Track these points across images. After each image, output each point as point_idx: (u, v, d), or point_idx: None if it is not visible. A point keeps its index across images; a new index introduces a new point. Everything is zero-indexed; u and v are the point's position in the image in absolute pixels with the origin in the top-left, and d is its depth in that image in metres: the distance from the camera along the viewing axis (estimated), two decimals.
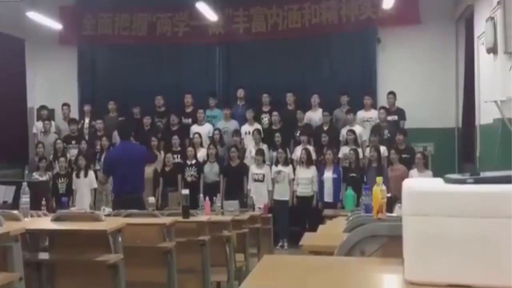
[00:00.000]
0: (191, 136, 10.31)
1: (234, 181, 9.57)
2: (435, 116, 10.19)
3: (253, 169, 9.64)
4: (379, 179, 3.63)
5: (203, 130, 10.36)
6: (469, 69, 9.11)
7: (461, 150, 10.03)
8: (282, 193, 9.56)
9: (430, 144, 9.99)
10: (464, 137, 9.75)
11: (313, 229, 4.09)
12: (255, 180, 9.56)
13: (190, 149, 9.88)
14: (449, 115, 10.30)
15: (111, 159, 7.13)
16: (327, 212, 6.78)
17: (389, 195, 3.77)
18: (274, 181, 9.59)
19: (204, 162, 9.80)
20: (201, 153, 9.98)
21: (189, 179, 9.63)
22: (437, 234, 1.49)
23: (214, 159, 9.76)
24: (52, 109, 11.33)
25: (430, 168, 9.24)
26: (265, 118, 10.40)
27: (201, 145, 10.09)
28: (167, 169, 9.69)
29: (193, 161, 9.77)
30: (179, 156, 9.94)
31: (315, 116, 10.26)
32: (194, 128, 10.44)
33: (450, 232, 1.48)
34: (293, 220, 9.39)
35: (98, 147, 10.19)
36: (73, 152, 10.24)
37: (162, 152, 9.90)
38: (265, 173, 9.58)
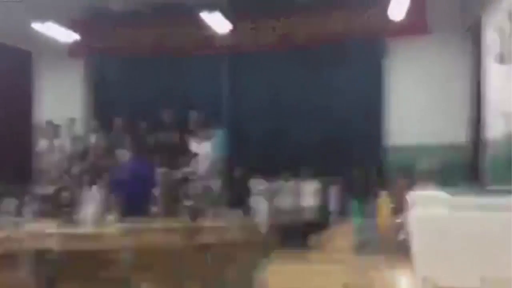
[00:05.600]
0: (192, 151, 10.27)
1: (238, 192, 9.53)
2: (443, 129, 10.09)
3: (253, 185, 9.66)
4: (384, 193, 3.57)
5: (202, 148, 10.31)
6: (478, 79, 9.05)
7: (469, 164, 9.90)
8: (286, 202, 9.53)
9: (437, 158, 9.87)
10: (472, 151, 9.64)
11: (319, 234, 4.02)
12: (257, 194, 9.55)
13: (194, 165, 9.82)
14: (457, 128, 10.15)
15: (118, 175, 7.09)
16: (332, 222, 6.70)
17: (393, 205, 3.71)
18: (279, 193, 9.60)
19: (207, 175, 9.77)
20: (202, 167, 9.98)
21: (193, 192, 9.56)
22: (441, 245, 1.45)
23: (217, 172, 9.77)
24: (57, 124, 11.31)
25: (437, 183, 9.13)
26: None
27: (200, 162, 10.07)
28: (171, 184, 9.60)
29: (196, 176, 9.71)
30: (181, 171, 9.88)
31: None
32: (193, 145, 10.38)
33: (455, 242, 1.44)
34: (299, 233, 9.34)
35: (103, 163, 10.14)
36: (78, 168, 10.19)
37: (164, 167, 9.88)
38: (265, 186, 9.57)
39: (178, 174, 9.76)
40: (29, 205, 4.33)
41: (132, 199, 6.40)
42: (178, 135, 10.49)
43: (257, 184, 9.67)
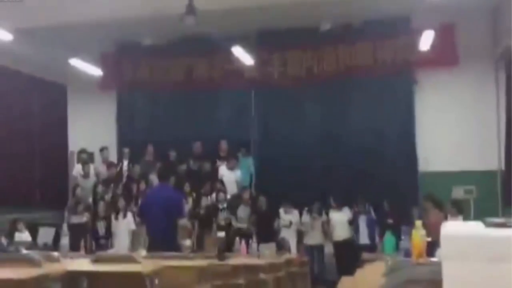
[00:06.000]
0: (219, 177, 10.36)
1: (264, 224, 9.53)
2: (476, 158, 9.98)
3: (282, 215, 9.70)
4: (418, 222, 3.55)
5: (231, 175, 10.40)
6: (511, 109, 8.95)
7: (505, 193, 9.74)
8: (316, 238, 9.47)
9: (472, 187, 9.74)
10: (507, 180, 9.48)
11: (351, 273, 4.01)
12: (283, 226, 9.58)
13: (221, 194, 9.91)
14: (491, 157, 10.05)
15: (146, 202, 7.16)
16: (365, 256, 6.64)
17: (429, 239, 3.68)
18: (308, 226, 9.55)
19: (238, 205, 9.83)
20: (231, 195, 10.08)
21: (222, 222, 9.64)
22: (477, 280, 1.45)
23: (248, 202, 9.80)
24: (91, 152, 11.54)
25: (472, 212, 9.01)
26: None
27: (229, 190, 10.17)
28: (201, 211, 9.71)
29: (225, 205, 9.78)
30: (209, 198, 9.96)
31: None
32: (223, 171, 10.46)
33: (491, 277, 1.43)
34: (331, 265, 9.27)
35: (135, 191, 10.30)
36: (111, 193, 10.35)
37: (194, 194, 9.98)
38: (292, 219, 9.60)
39: (208, 202, 9.86)
40: (65, 235, 4.43)
41: (159, 225, 6.45)
42: (208, 164, 10.63)
43: (286, 214, 9.66)
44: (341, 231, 9.46)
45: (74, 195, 10.33)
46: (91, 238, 9.24)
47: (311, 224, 9.58)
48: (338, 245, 9.45)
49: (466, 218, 8.41)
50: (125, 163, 11.08)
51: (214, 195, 10.00)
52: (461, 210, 8.61)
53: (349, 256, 8.75)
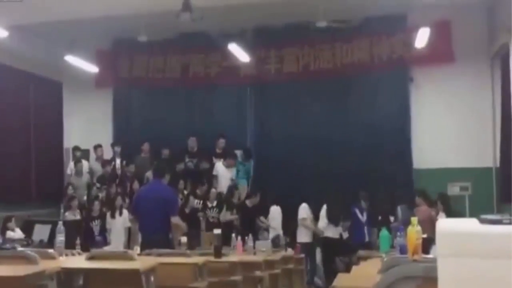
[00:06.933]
0: (214, 172, 10.35)
1: (248, 220, 9.52)
2: (472, 155, 10.01)
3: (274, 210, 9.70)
4: (414, 219, 3.56)
5: (227, 173, 10.40)
6: (506, 107, 8.97)
7: (500, 190, 9.78)
8: (305, 236, 9.49)
9: (467, 183, 9.77)
10: (503, 177, 9.51)
11: (347, 269, 4.02)
12: (277, 225, 9.63)
13: (213, 190, 9.90)
14: (486, 154, 10.09)
15: (139, 197, 7.14)
16: (361, 253, 6.65)
17: (424, 236, 3.69)
18: (306, 223, 9.57)
19: (231, 203, 9.84)
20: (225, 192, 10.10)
21: (210, 220, 9.64)
22: (473, 276, 1.45)
23: (238, 199, 9.88)
24: (86, 149, 11.52)
25: (468, 209, 9.05)
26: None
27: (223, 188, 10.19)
28: (186, 210, 9.63)
29: (214, 203, 9.77)
30: (200, 202, 9.94)
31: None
32: (219, 167, 10.45)
33: (486, 274, 1.44)
34: (324, 262, 9.27)
35: (128, 189, 10.27)
36: (106, 193, 10.30)
37: (185, 192, 9.99)
38: (271, 217, 9.63)
39: (198, 204, 9.84)
40: (61, 233, 4.42)
41: (151, 221, 6.43)
42: (205, 163, 10.60)
43: (277, 213, 9.67)
44: (334, 229, 9.43)
45: (66, 193, 10.28)
46: (86, 238, 9.21)
47: (309, 220, 9.57)
48: (328, 241, 9.43)
49: (458, 214, 8.42)
50: (118, 161, 11.05)
51: (209, 194, 9.99)
52: (445, 203, 8.50)
53: (339, 254, 8.75)
